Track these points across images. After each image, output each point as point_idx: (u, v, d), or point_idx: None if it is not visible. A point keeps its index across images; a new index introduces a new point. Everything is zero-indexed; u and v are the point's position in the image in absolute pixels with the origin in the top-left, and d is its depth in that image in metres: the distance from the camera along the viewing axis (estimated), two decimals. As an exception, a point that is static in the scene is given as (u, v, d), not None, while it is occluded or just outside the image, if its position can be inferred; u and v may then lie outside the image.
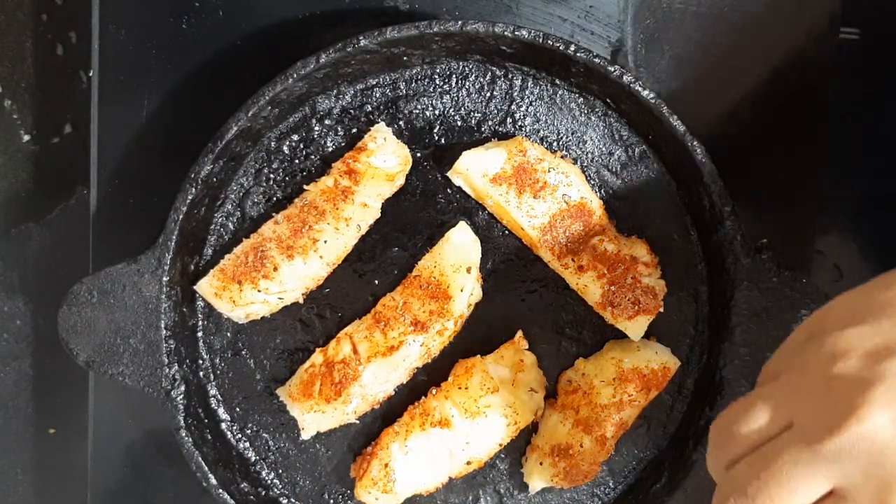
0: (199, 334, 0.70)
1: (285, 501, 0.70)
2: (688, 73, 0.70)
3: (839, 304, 0.45)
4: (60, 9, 0.77)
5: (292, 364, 0.70)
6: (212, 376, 0.70)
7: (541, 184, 0.66)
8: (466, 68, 0.69)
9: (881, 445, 0.40)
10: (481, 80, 0.69)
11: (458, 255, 0.67)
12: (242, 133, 0.66)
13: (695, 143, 0.64)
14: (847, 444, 0.41)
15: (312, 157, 0.69)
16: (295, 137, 0.69)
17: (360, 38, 0.64)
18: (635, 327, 0.67)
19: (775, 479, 0.42)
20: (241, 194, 0.69)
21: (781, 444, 0.43)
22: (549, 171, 0.66)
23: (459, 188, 0.68)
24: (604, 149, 0.69)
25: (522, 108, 0.69)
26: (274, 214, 0.67)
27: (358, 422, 0.69)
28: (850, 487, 0.41)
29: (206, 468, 0.66)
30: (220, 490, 0.66)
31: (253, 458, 0.70)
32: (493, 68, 0.69)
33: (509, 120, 0.69)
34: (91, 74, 0.71)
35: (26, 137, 0.78)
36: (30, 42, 0.77)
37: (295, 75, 0.65)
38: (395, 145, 0.67)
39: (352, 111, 0.69)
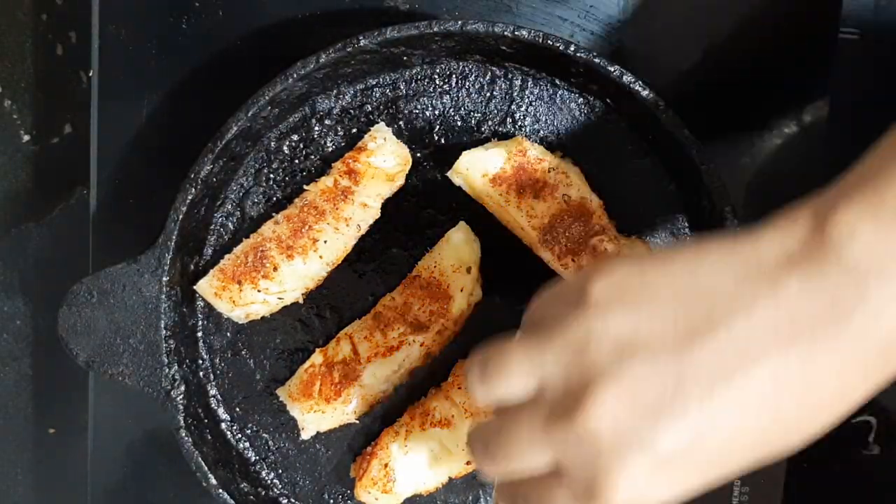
0: (199, 334, 0.70)
1: (285, 501, 0.70)
2: (687, 73, 0.70)
3: (616, 272, 0.47)
4: (60, 9, 0.77)
5: (292, 364, 0.70)
6: (212, 376, 0.70)
7: (541, 184, 0.66)
8: (466, 68, 0.69)
9: (598, 446, 0.44)
10: (481, 80, 0.69)
11: (458, 255, 0.67)
12: (242, 133, 0.66)
13: (693, 143, 0.64)
14: (573, 435, 0.45)
15: (312, 157, 0.70)
16: (295, 137, 0.69)
17: (360, 38, 0.64)
18: None
19: (511, 447, 0.48)
20: (241, 194, 0.69)
21: (524, 414, 0.48)
22: (549, 171, 0.66)
23: (459, 188, 0.68)
24: (604, 149, 0.69)
25: (522, 108, 0.69)
26: (274, 214, 0.67)
27: (358, 422, 0.69)
28: (569, 471, 0.46)
29: (206, 468, 0.66)
30: (220, 490, 0.66)
31: (253, 458, 0.70)
32: (493, 68, 0.69)
33: (509, 120, 0.69)
34: (91, 74, 0.71)
35: (26, 137, 0.78)
36: (30, 42, 0.77)
37: (295, 75, 0.65)
38: (395, 145, 0.67)
39: (352, 111, 0.69)
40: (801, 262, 0.43)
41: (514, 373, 0.48)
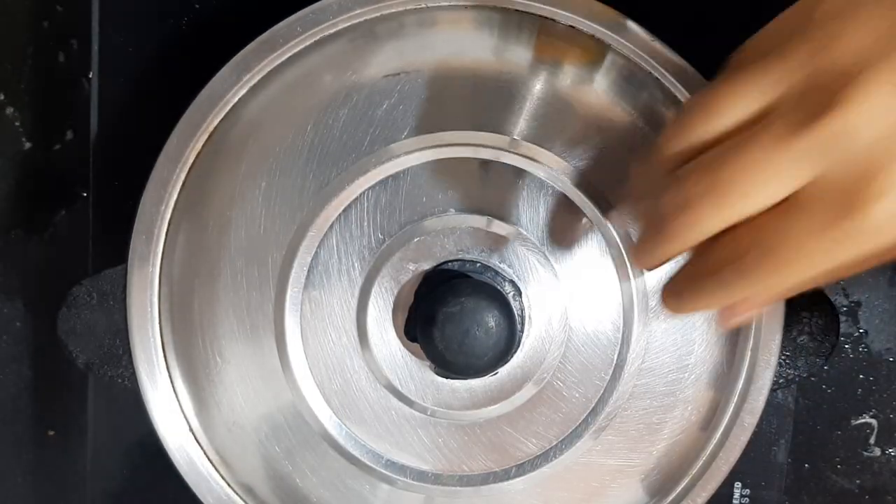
0: (199, 335, 0.70)
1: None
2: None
3: None
4: (61, 16, 0.77)
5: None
6: (212, 378, 0.70)
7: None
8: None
9: (861, 145, 0.38)
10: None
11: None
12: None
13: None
14: (829, 134, 0.38)
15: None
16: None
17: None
18: None
19: (751, 167, 0.40)
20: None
21: (758, 131, 0.40)
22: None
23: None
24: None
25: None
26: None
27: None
28: (822, 180, 0.39)
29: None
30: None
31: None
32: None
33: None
34: (91, 76, 0.71)
35: (28, 144, 0.78)
36: (31, 49, 0.78)
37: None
38: None
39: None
40: None
41: (742, 96, 0.41)
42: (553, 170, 0.58)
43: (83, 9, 0.71)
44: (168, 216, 0.64)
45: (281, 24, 0.63)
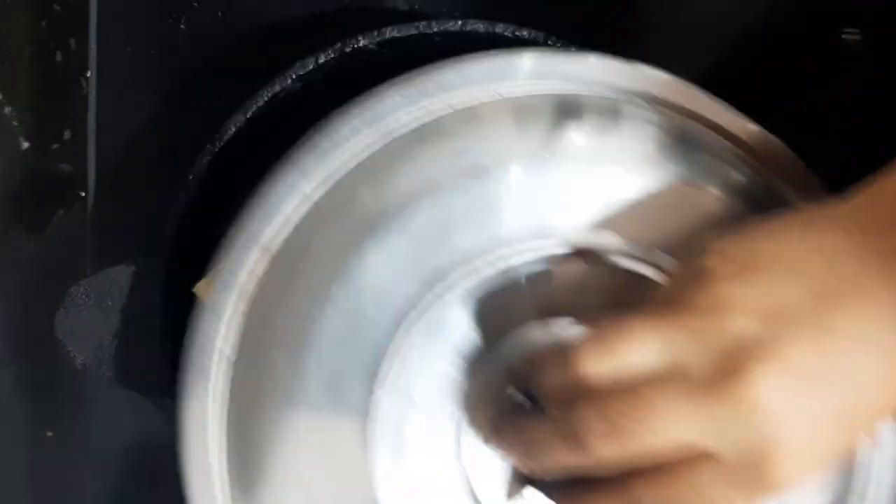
0: (198, 336, 0.70)
1: None
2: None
3: (724, 247, 0.45)
4: (59, 15, 0.77)
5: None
6: (210, 378, 0.70)
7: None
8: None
9: (759, 424, 0.41)
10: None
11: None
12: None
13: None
14: (732, 411, 0.41)
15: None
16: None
17: (359, 37, 0.64)
18: None
19: (649, 421, 0.41)
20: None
21: (660, 388, 0.42)
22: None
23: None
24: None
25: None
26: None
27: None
28: (723, 450, 0.41)
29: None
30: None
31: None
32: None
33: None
34: (89, 75, 0.71)
35: (26, 144, 0.78)
36: (29, 49, 0.78)
37: (293, 76, 0.65)
38: None
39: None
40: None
41: (642, 343, 0.43)
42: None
43: (81, 8, 0.71)
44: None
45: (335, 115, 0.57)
